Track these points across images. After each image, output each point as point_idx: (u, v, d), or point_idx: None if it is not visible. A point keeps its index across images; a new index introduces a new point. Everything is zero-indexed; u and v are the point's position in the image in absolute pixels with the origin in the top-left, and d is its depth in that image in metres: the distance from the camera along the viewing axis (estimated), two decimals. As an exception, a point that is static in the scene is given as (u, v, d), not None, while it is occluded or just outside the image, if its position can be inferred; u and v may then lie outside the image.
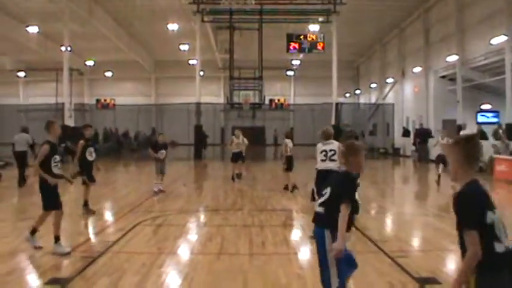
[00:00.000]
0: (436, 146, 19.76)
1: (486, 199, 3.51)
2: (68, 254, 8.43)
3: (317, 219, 5.41)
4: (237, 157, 21.49)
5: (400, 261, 7.84)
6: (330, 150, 10.70)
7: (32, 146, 19.99)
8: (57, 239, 8.63)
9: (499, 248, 3.39)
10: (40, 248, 8.64)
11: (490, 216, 3.43)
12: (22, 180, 19.34)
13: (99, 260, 7.98)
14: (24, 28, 37.21)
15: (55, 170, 8.80)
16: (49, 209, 8.80)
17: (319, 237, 5.34)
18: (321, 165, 10.75)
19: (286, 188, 17.74)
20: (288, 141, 17.96)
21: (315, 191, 10.92)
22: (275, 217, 12.54)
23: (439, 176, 18.96)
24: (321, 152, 10.81)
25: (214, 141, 41.35)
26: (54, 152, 8.85)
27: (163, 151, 17.34)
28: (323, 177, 9.89)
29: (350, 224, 5.18)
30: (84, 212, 12.64)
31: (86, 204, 12.87)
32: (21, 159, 19.72)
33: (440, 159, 18.77)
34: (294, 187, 17.50)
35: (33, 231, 8.75)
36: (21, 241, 9.31)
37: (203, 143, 37.53)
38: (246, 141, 21.91)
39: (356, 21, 39.15)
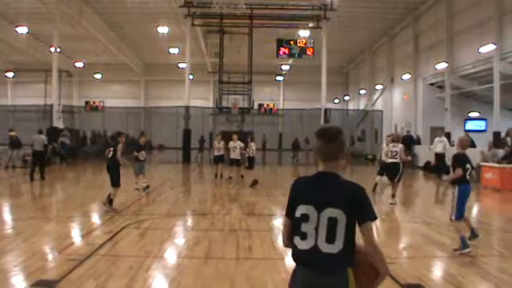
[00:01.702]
0: (382, 153, 18.58)
1: (301, 191, 3.44)
2: None
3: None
4: (217, 159, 23.37)
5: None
6: (394, 151, 16.69)
7: (46, 146, 22.99)
8: None
9: (299, 244, 3.33)
10: None
11: (300, 210, 3.36)
12: (41, 176, 21.41)
13: (86, 263, 7.93)
14: (13, 28, 37.11)
15: None
16: None
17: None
18: (388, 160, 16.96)
19: (254, 183, 20.48)
20: (252, 144, 21.84)
21: (385, 175, 17.48)
22: (263, 222, 12.55)
23: (375, 185, 18.60)
24: (391, 150, 16.83)
25: (204, 145, 41.19)
26: None
27: (143, 152, 17.72)
28: (388, 168, 17.01)
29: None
30: (109, 210, 13.40)
31: (110, 202, 13.70)
32: (39, 158, 22.22)
33: (384, 167, 17.97)
34: (254, 182, 20.54)
35: None
36: (8, 241, 9.29)
37: (200, 147, 37.54)
38: (240, 144, 22.64)
39: (346, 27, 39.32)
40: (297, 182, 3.55)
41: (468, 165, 9.72)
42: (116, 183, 14.07)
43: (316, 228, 3.29)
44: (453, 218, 9.65)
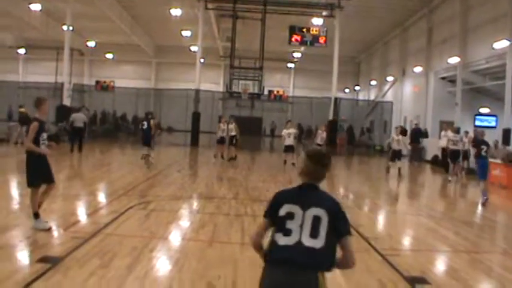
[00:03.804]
0: (392, 142, 22.71)
1: (293, 196, 3.64)
2: (48, 229, 8.50)
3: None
4: (220, 140, 24.98)
5: (391, 259, 7.86)
6: (456, 140, 21.25)
7: (85, 123, 26.63)
8: (36, 215, 8.62)
9: (281, 240, 3.47)
10: (50, 228, 8.61)
11: (286, 209, 3.55)
12: (79, 149, 24.99)
13: (91, 241, 7.97)
14: (26, 5, 37.04)
15: (42, 148, 8.77)
16: (35, 185, 8.71)
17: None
18: (451, 148, 21.12)
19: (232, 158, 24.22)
20: (232, 126, 24.63)
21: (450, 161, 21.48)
22: (268, 208, 12.55)
23: (387, 168, 22.80)
24: (451, 140, 21.38)
25: (212, 129, 41.19)
26: (42, 129, 8.78)
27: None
28: (452, 153, 21.11)
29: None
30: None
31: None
32: (79, 133, 25.62)
33: (395, 154, 22.41)
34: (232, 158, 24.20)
35: (36, 215, 8.63)
36: (14, 217, 9.36)
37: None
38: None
39: (360, 17, 39.10)
40: (280, 192, 3.80)
41: (483, 146, 15.36)
42: (150, 144, 20.60)
43: (301, 226, 3.48)
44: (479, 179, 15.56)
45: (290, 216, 3.51)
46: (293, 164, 22.49)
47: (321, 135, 23.56)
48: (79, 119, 25.88)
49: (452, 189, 20.02)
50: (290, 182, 18.05)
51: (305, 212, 3.51)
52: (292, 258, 3.40)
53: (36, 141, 8.64)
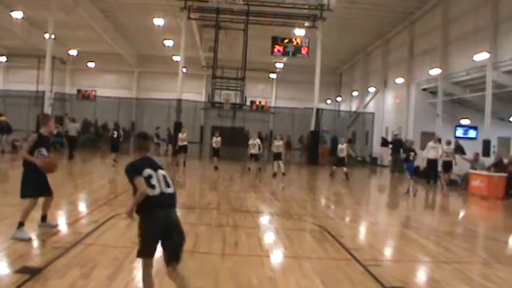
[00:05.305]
0: (338, 151, 25.77)
1: (145, 164, 5.66)
2: (29, 239, 8.44)
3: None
4: (180, 149, 27.80)
5: (372, 269, 7.87)
6: (449, 152, 23.26)
7: (79, 133, 30.16)
8: (21, 224, 8.56)
9: (152, 192, 5.43)
10: (30, 238, 8.53)
11: (147, 172, 5.52)
12: (71, 157, 26.68)
13: (72, 251, 7.90)
14: (8, 13, 36.80)
15: (37, 162, 8.72)
16: (28, 196, 8.76)
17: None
18: (444, 159, 23.27)
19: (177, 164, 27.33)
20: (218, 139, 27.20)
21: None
22: (250, 218, 12.54)
23: (332, 172, 26.01)
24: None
25: (193, 139, 41.07)
26: (40, 144, 8.86)
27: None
28: (445, 164, 23.36)
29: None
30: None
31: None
32: (72, 142, 28.19)
33: (339, 161, 25.68)
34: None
35: (21, 224, 8.55)
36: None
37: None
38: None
39: (342, 28, 39.31)
40: (136, 162, 5.70)
41: (411, 152, 19.78)
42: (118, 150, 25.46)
43: (159, 181, 5.54)
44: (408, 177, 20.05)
45: (150, 176, 5.52)
46: (259, 169, 26.24)
47: (276, 144, 25.64)
48: (73, 128, 28.56)
49: (433, 199, 20.11)
50: (273, 193, 18.08)
51: (156, 172, 5.59)
52: (168, 201, 5.58)
53: (32, 154, 8.67)
